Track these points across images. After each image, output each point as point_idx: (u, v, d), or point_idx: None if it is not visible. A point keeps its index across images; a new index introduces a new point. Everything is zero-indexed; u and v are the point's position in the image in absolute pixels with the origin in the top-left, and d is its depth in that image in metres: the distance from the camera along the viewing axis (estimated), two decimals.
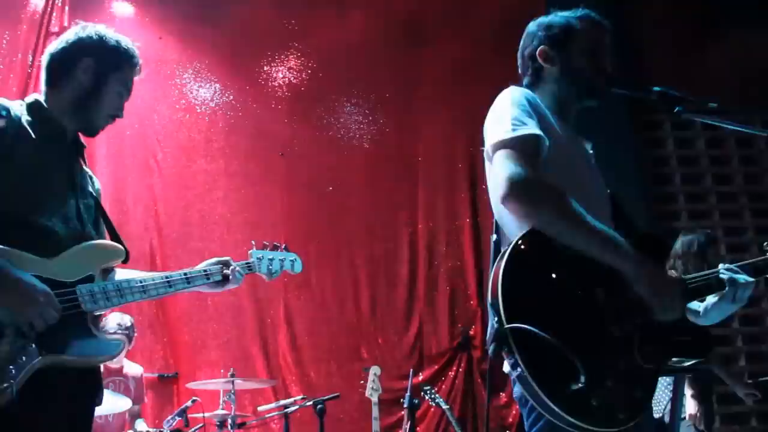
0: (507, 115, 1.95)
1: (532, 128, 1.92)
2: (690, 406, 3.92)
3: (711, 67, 5.87)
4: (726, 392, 5.52)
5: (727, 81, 5.68)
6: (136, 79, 2.32)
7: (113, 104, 2.24)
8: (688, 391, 3.84)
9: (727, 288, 2.35)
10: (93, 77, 2.19)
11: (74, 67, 2.19)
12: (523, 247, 1.81)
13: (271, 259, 2.70)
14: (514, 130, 1.91)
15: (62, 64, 2.21)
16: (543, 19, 2.20)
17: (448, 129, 6.15)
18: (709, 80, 5.55)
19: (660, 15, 6.26)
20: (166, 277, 2.30)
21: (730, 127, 2.23)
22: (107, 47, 2.23)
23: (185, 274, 2.34)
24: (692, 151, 6.33)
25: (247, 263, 2.61)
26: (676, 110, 2.07)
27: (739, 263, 2.45)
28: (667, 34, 6.23)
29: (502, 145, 1.91)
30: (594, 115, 2.36)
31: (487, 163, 2.03)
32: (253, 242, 2.73)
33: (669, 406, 3.64)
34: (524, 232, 1.84)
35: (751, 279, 2.42)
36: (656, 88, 2.09)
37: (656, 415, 3.65)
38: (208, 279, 2.39)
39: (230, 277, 2.43)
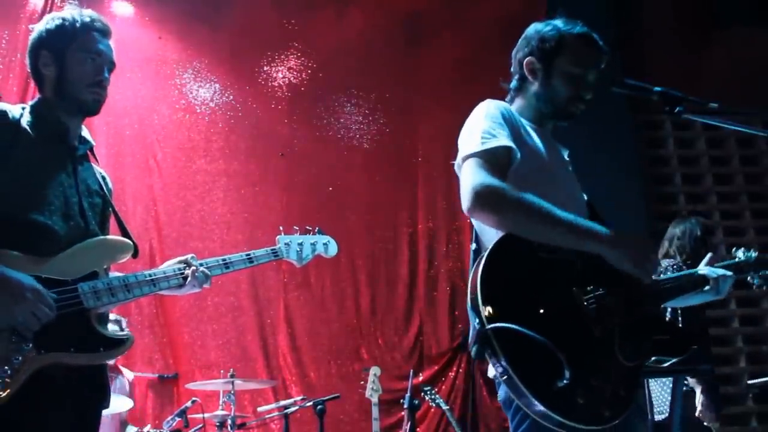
0: (478, 128, 1.99)
1: (501, 140, 1.96)
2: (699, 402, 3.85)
3: (712, 67, 5.87)
4: (726, 393, 5.52)
5: (728, 81, 5.68)
6: (111, 42, 2.28)
7: (87, 72, 2.20)
8: (697, 388, 3.78)
9: (711, 283, 2.49)
10: (54, 64, 2.21)
11: (38, 66, 2.23)
12: (500, 250, 1.84)
13: (300, 244, 2.62)
14: (483, 143, 1.95)
15: (32, 70, 2.26)
16: (541, 27, 2.17)
17: (448, 129, 6.06)
18: (709, 80, 5.54)
19: (660, 15, 6.25)
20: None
21: (730, 127, 2.23)
22: (53, 31, 2.23)
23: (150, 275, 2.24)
24: (692, 151, 6.33)
25: (272, 249, 2.55)
26: (676, 110, 2.07)
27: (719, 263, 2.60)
28: (668, 34, 6.23)
29: (469, 157, 1.95)
30: (594, 115, 2.36)
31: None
32: (281, 227, 2.65)
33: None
34: (500, 236, 1.87)
35: (730, 273, 2.56)
36: (656, 88, 2.09)
37: (659, 417, 3.61)
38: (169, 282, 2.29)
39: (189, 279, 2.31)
